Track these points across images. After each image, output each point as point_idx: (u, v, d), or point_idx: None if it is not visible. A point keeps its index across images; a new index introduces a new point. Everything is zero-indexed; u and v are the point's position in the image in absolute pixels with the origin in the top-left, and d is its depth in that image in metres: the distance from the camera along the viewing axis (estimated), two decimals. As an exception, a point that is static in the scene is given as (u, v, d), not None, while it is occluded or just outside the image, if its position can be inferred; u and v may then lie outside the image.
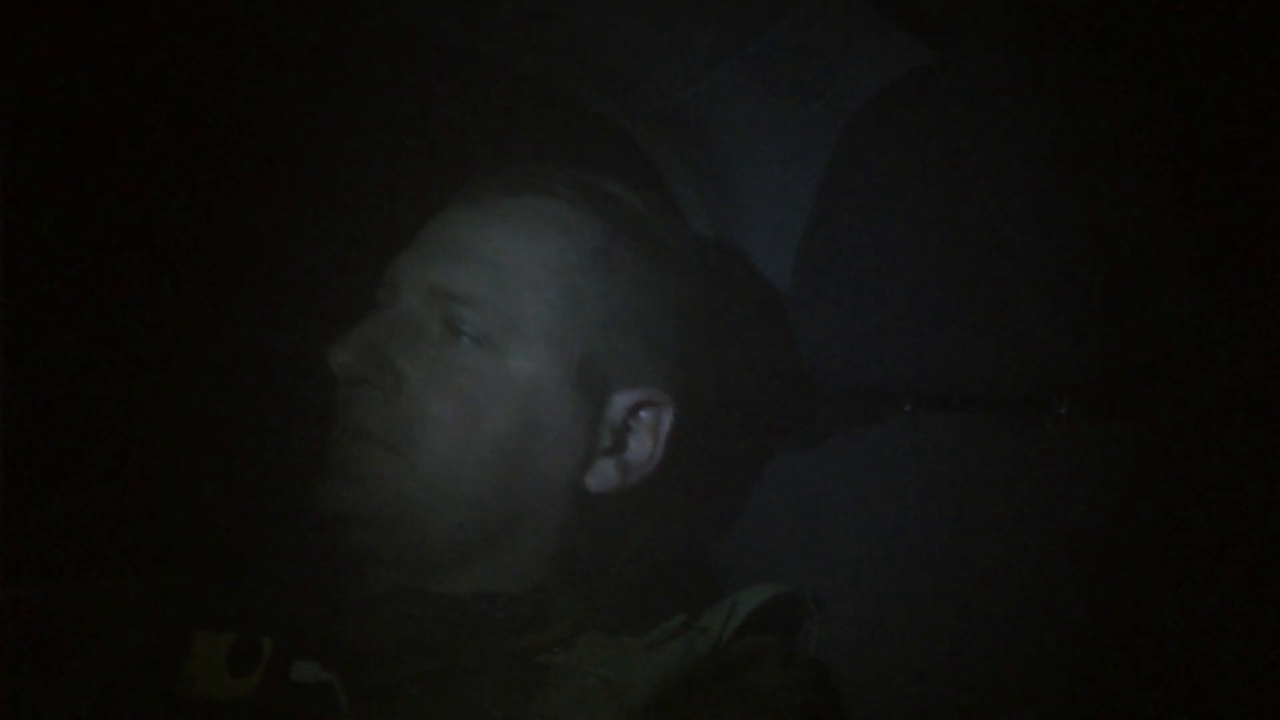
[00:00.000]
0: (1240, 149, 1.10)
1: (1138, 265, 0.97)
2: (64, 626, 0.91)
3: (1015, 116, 0.98)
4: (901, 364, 1.00)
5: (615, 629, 0.93)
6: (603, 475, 1.01)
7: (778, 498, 1.09)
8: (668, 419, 1.02)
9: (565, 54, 1.15)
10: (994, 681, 0.93)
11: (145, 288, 1.18)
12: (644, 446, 1.02)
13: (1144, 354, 0.98)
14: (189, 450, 1.09)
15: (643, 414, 1.02)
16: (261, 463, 1.06)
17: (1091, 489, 0.98)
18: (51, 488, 1.01)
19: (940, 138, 0.99)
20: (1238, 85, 1.10)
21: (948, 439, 1.03)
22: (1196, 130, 1.08)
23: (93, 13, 1.09)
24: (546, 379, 0.98)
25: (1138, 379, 1.00)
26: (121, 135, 1.15)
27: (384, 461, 0.96)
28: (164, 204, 1.19)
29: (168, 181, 1.19)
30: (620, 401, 1.01)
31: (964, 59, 1.05)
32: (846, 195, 1.03)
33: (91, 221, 1.13)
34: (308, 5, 1.14)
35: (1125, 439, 1.01)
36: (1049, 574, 0.95)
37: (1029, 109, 0.98)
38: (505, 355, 0.98)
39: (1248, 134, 1.10)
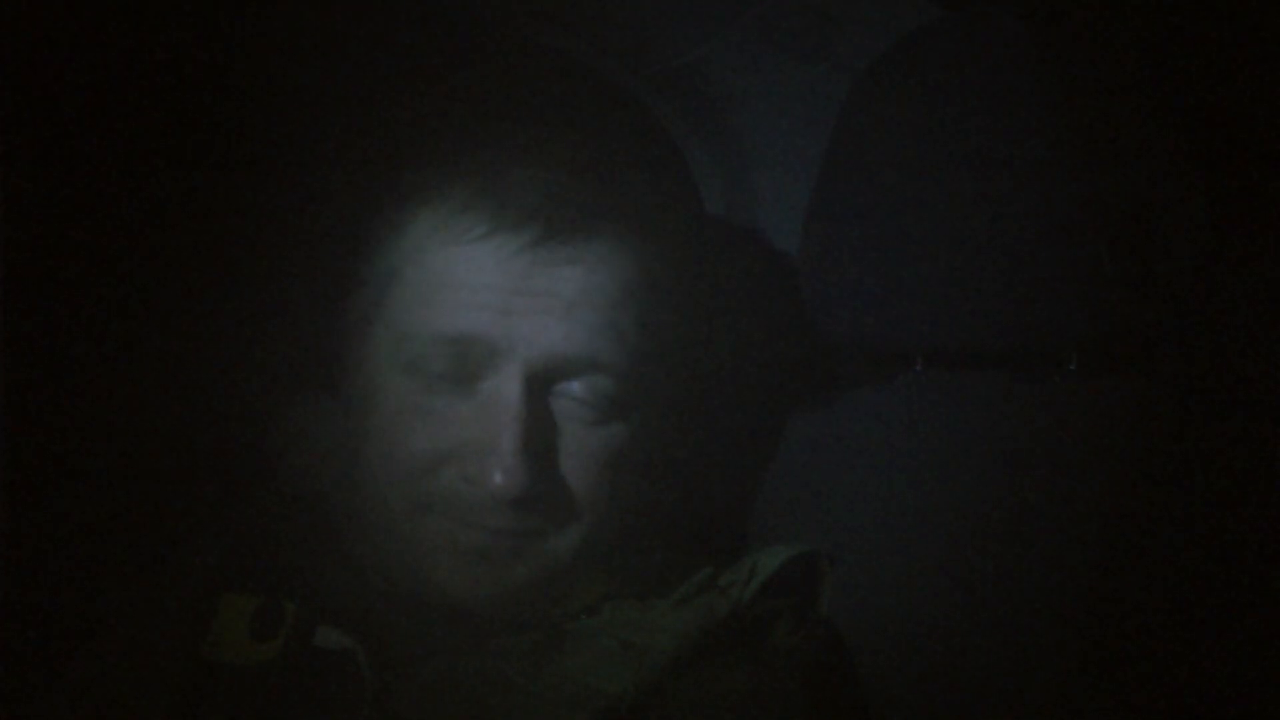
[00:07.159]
0: (1249, 107, 1.10)
1: (1147, 221, 0.96)
2: (92, 588, 0.91)
3: (1024, 74, 0.97)
4: (912, 323, 0.99)
5: (644, 595, 0.94)
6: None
7: (790, 458, 1.09)
8: None
9: (572, 16, 1.14)
10: (1005, 640, 0.93)
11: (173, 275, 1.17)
12: None
13: (1154, 309, 0.97)
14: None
15: None
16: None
17: (1103, 444, 0.98)
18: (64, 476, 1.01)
19: (948, 95, 0.99)
20: (1248, 47, 1.10)
21: (959, 397, 1.03)
22: (1206, 88, 1.08)
23: (92, 12, 1.08)
24: (655, 422, 0.96)
25: (1148, 334, 1.00)
26: (122, 132, 1.14)
27: (542, 546, 0.91)
28: (172, 195, 1.18)
29: (176, 171, 1.18)
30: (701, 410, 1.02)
31: (971, 16, 1.04)
32: (855, 154, 1.03)
33: (92, 221, 1.12)
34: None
35: (1136, 394, 1.00)
36: (1061, 531, 0.95)
37: (1038, 66, 0.97)
38: (633, 423, 0.93)
39: (1257, 92, 1.10)
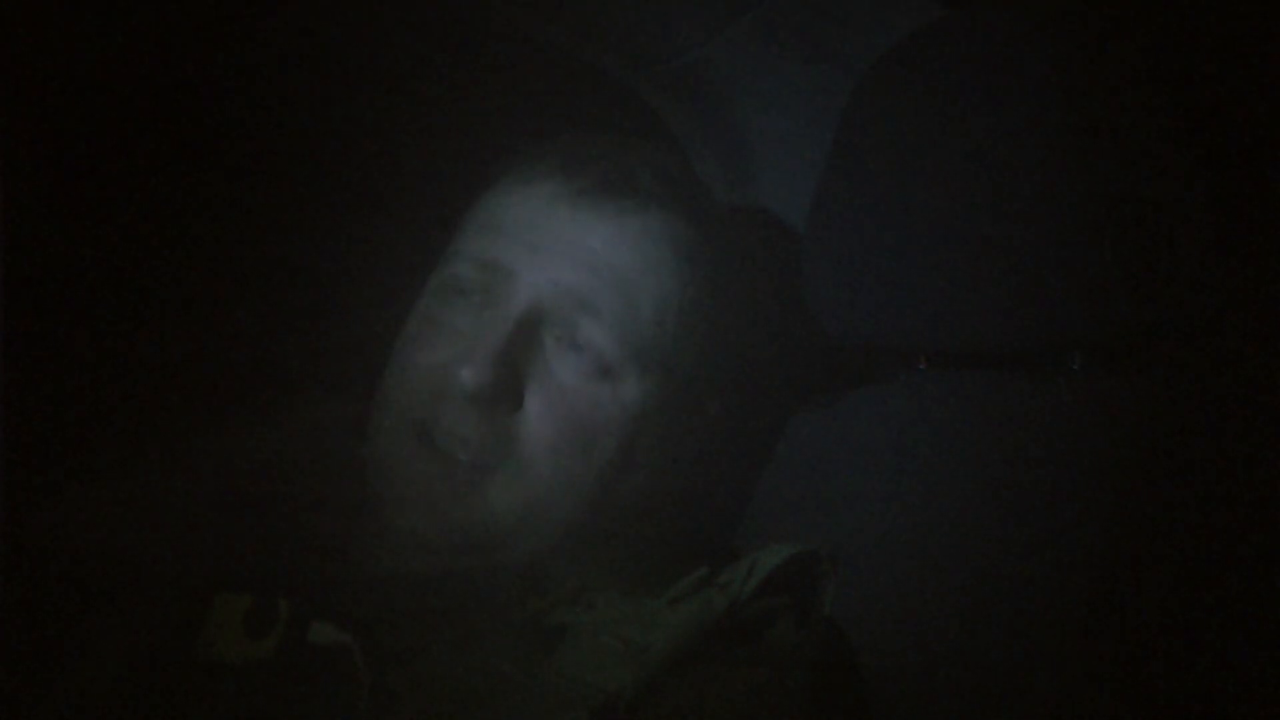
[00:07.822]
0: (1250, 107, 1.10)
1: (1149, 220, 0.96)
2: (87, 587, 0.91)
3: (1028, 71, 0.97)
4: (916, 321, 0.99)
5: (633, 589, 0.94)
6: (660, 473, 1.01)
7: (793, 456, 1.09)
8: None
9: (576, 14, 1.15)
10: (1008, 639, 0.93)
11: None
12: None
13: (1158, 308, 0.97)
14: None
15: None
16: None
17: (1105, 443, 0.98)
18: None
19: (951, 93, 0.99)
20: (1248, 46, 1.09)
21: (963, 396, 1.03)
22: (1207, 88, 1.08)
23: (93, 12, 1.08)
24: (653, 405, 0.98)
25: (1150, 334, 0.99)
26: (123, 132, 1.14)
27: (489, 490, 0.94)
28: (180, 192, 1.18)
29: (182, 167, 1.18)
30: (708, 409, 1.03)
31: (973, 14, 1.04)
32: (858, 153, 1.03)
33: (93, 221, 1.12)
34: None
35: (1137, 394, 1.00)
36: (1064, 530, 0.95)
37: (1042, 64, 0.97)
38: (620, 381, 0.96)
39: (1258, 92, 1.10)
